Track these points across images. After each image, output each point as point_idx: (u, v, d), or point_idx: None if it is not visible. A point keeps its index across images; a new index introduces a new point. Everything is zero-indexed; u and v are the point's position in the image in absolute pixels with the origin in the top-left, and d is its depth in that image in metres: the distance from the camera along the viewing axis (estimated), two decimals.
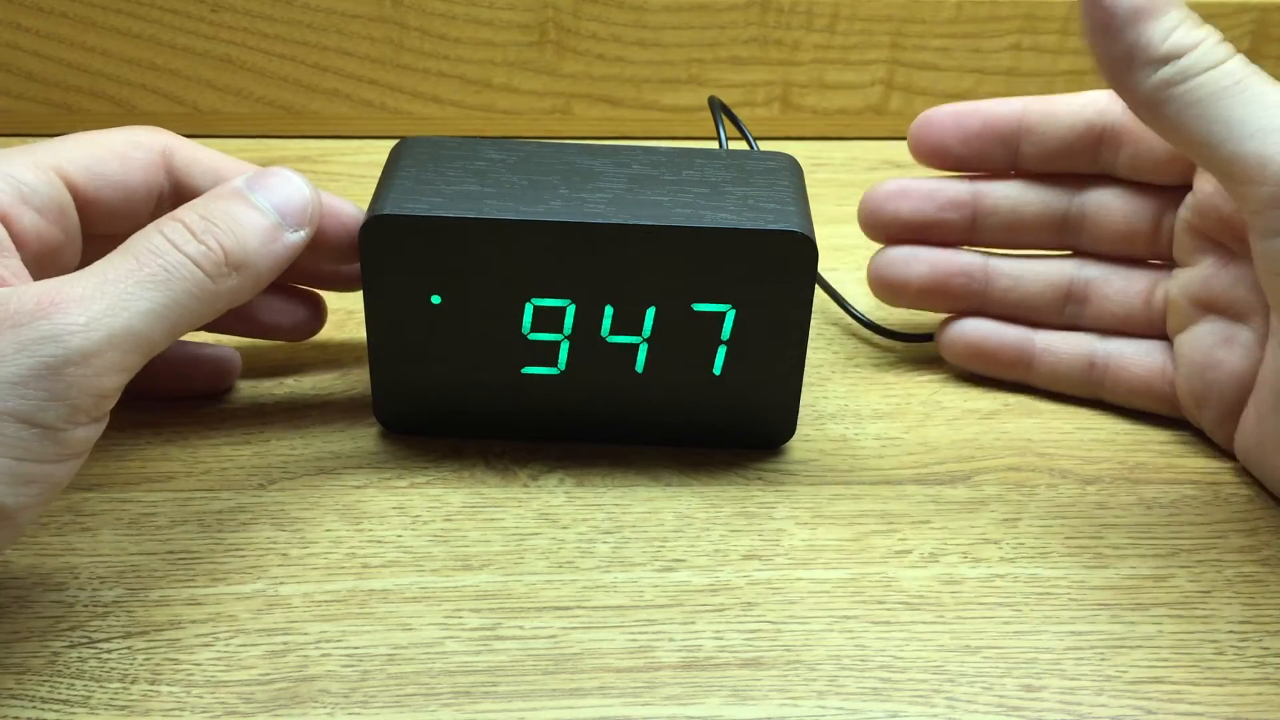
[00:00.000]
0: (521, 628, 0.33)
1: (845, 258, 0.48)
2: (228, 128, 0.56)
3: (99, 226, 0.35)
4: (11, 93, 0.55)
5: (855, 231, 0.43)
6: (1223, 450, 0.39)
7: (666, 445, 0.39)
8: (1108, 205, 0.40)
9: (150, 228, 0.31)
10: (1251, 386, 0.37)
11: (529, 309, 0.36)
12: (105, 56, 0.55)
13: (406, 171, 0.36)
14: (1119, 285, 0.40)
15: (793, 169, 0.38)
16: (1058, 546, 0.36)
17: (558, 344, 0.37)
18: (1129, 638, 0.33)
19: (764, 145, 0.42)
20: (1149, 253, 0.40)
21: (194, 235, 0.31)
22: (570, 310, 0.36)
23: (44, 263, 0.33)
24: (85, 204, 0.34)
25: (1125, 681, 0.32)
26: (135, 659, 0.32)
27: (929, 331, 0.44)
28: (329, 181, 0.54)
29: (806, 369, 0.37)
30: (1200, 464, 0.39)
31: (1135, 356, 0.40)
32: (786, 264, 0.35)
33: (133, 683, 0.31)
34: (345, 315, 0.44)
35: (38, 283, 0.29)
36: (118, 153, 0.35)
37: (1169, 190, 0.39)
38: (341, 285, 0.40)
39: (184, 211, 0.32)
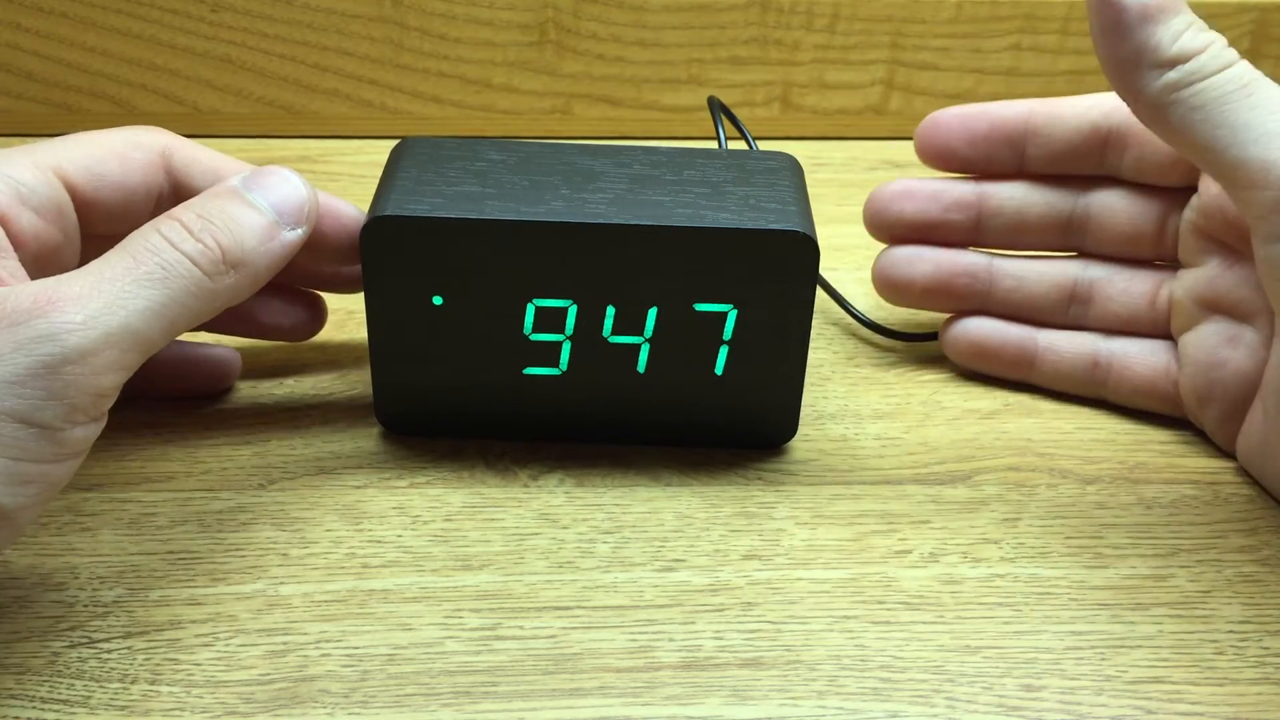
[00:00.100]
0: (521, 628, 0.33)
1: (845, 258, 0.48)
2: (228, 128, 0.56)
3: (98, 227, 0.35)
4: (11, 93, 0.55)
5: (855, 231, 0.43)
6: (1223, 450, 0.39)
7: (668, 445, 0.39)
8: (1113, 207, 0.40)
9: (147, 226, 0.31)
10: (1256, 386, 0.37)
11: (530, 309, 0.36)
12: (105, 56, 0.55)
13: (407, 172, 0.36)
14: (1123, 286, 0.40)
15: (793, 169, 0.38)
16: (1058, 546, 0.36)
17: (559, 344, 0.37)
18: (1129, 638, 0.33)
19: (764, 145, 0.42)
20: (1154, 254, 0.40)
21: (191, 233, 0.31)
22: (572, 311, 0.36)
23: (43, 263, 0.33)
24: (84, 204, 0.34)
25: (1125, 681, 0.32)
26: (135, 659, 0.32)
27: (930, 330, 0.44)
28: (329, 181, 0.54)
29: (806, 369, 0.37)
30: (1200, 464, 0.39)
31: (1139, 356, 0.40)
32: (788, 264, 0.35)
33: (133, 683, 0.31)
34: (345, 315, 0.44)
35: (35, 282, 0.29)
36: (117, 153, 0.35)
37: (1174, 192, 0.39)
38: (342, 287, 0.40)
39: (181, 210, 0.32)
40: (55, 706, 0.30)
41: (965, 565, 0.35)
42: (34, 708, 0.30)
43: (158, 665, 0.32)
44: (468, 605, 0.34)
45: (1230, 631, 0.33)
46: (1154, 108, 0.33)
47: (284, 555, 0.35)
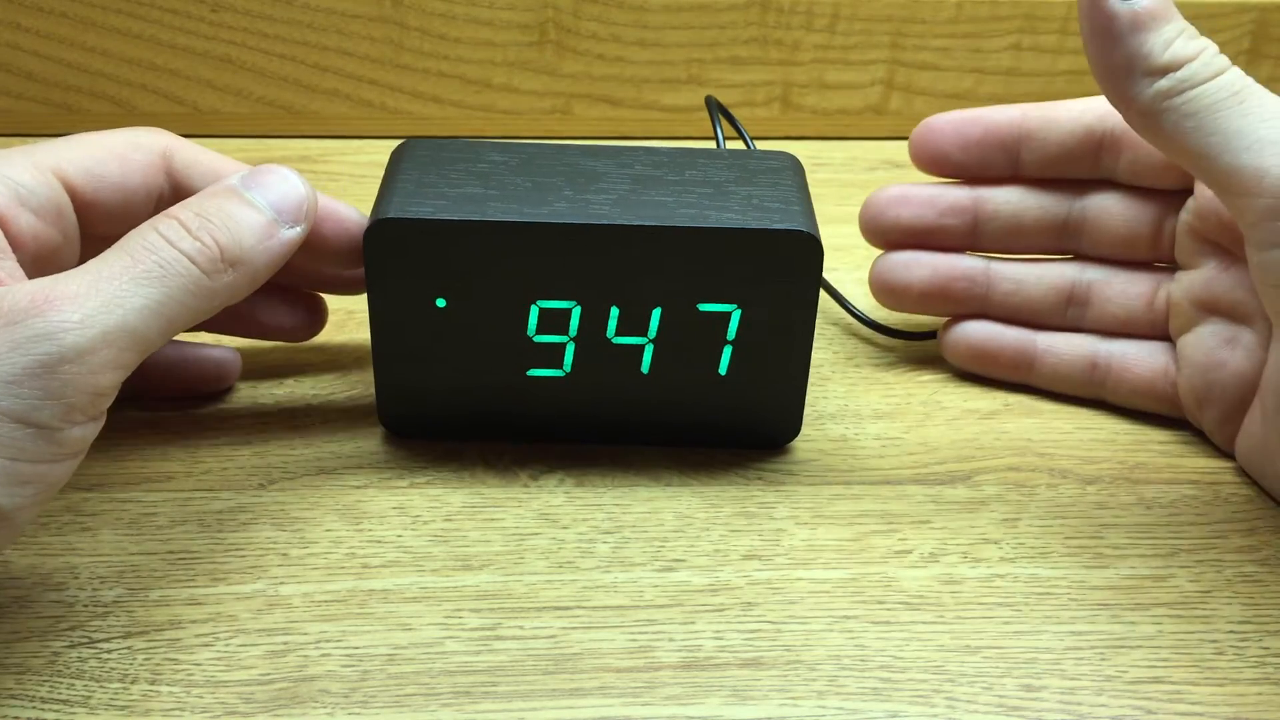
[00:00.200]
0: (521, 628, 0.33)
1: (845, 258, 0.48)
2: (228, 128, 0.56)
3: (98, 228, 0.35)
4: (11, 93, 0.55)
5: (855, 231, 0.43)
6: (1223, 450, 0.39)
7: (671, 446, 0.39)
8: (1109, 210, 0.40)
9: (145, 225, 0.31)
10: (1254, 388, 0.37)
11: (534, 311, 0.36)
12: (105, 56, 0.55)
13: (409, 174, 0.36)
14: (1121, 288, 0.40)
15: (795, 168, 0.38)
16: (1058, 546, 0.36)
17: (563, 346, 0.37)
18: (1129, 638, 0.33)
19: (764, 145, 0.42)
20: (1150, 256, 0.40)
21: (189, 231, 0.31)
22: (576, 312, 0.36)
23: (42, 264, 0.33)
24: (84, 205, 0.34)
25: (1125, 681, 0.32)
26: (135, 659, 0.32)
27: (930, 330, 0.44)
28: (329, 181, 0.54)
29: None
30: (1200, 464, 0.39)
31: (1137, 357, 0.40)
32: (792, 263, 0.35)
33: (133, 683, 0.31)
34: (345, 315, 0.44)
35: (31, 281, 0.29)
36: (117, 154, 0.35)
37: (1170, 194, 0.39)
38: (343, 289, 0.40)
39: (179, 209, 0.32)
40: (55, 706, 0.30)
41: (965, 565, 0.35)
42: (34, 708, 0.30)
43: (158, 665, 0.32)
44: (468, 605, 0.34)
45: (1230, 631, 0.33)
46: (1146, 115, 0.33)
47: (284, 555, 0.35)
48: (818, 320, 0.44)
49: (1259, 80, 0.34)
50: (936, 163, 0.41)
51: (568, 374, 0.37)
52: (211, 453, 0.38)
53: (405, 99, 0.56)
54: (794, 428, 0.39)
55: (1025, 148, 0.40)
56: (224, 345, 0.41)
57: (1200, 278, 0.38)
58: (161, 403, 0.40)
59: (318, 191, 0.35)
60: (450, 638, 0.33)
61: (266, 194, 0.33)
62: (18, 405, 0.28)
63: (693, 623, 0.33)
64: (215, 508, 0.36)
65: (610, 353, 0.37)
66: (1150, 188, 0.39)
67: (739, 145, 0.44)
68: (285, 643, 0.32)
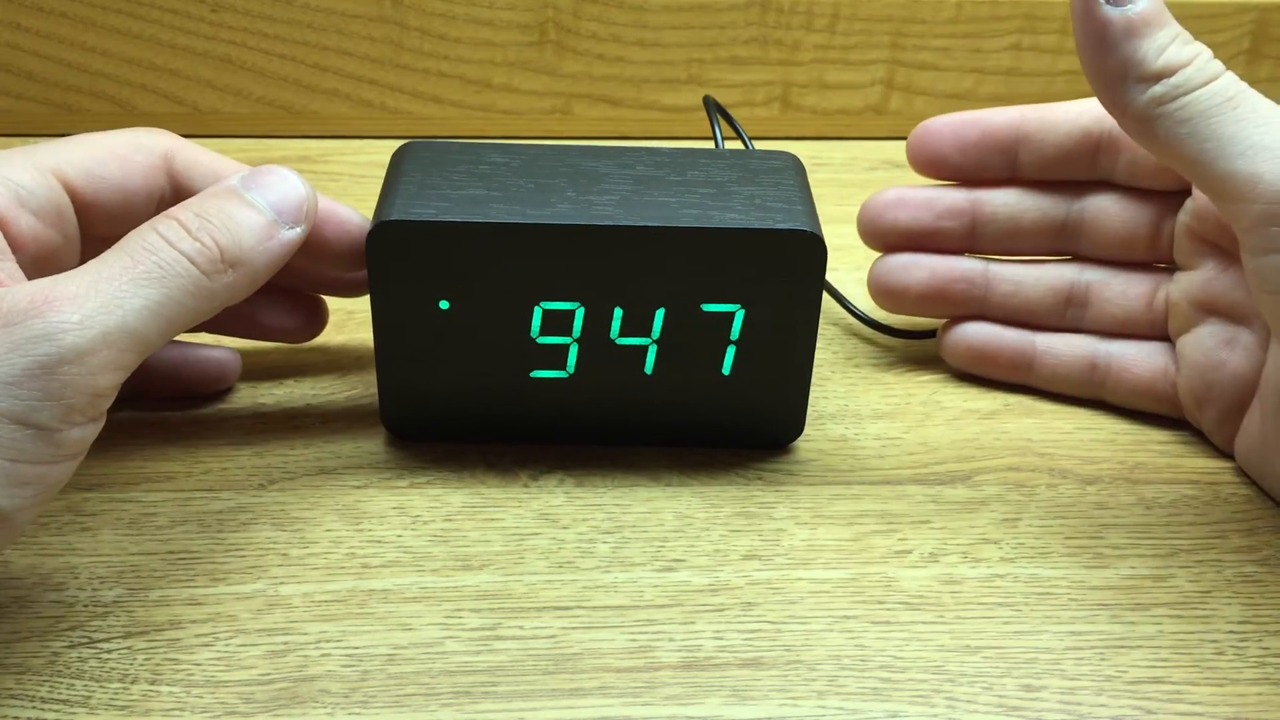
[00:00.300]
0: (521, 628, 0.33)
1: (845, 257, 0.48)
2: (228, 128, 0.56)
3: (98, 229, 0.35)
4: (11, 93, 0.55)
5: (855, 231, 0.43)
6: (1222, 451, 0.39)
7: (674, 447, 0.39)
8: (1107, 211, 0.40)
9: (145, 226, 0.31)
10: (1253, 388, 0.37)
11: (538, 312, 0.36)
12: (105, 56, 0.55)
13: (411, 177, 0.36)
14: (1120, 288, 0.40)
15: (796, 168, 0.38)
16: (1058, 546, 0.36)
17: (567, 347, 0.37)
18: (1129, 638, 0.33)
19: (764, 145, 0.42)
20: (1149, 257, 0.40)
21: (189, 232, 0.31)
22: (579, 313, 0.36)
23: (42, 265, 0.33)
24: (84, 207, 0.34)
25: (1125, 681, 0.32)
26: (135, 659, 0.32)
27: (930, 329, 0.44)
28: (329, 181, 0.54)
29: None
30: (1200, 464, 0.39)
31: (1137, 358, 0.40)
32: (796, 263, 0.35)
33: (133, 683, 0.31)
34: (345, 316, 0.44)
35: (31, 282, 0.29)
36: (118, 155, 0.35)
37: (1168, 195, 0.39)
38: (344, 291, 0.40)
39: (179, 209, 0.32)
40: (55, 706, 0.30)
41: (965, 565, 0.35)
42: (34, 708, 0.30)
43: (158, 665, 0.32)
44: (468, 605, 0.34)
45: (1230, 631, 0.33)
46: (1140, 121, 0.33)
47: (284, 555, 0.35)
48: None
49: (1259, 80, 0.34)
50: (934, 165, 0.41)
51: (571, 375, 0.37)
52: (211, 453, 0.38)
53: (405, 99, 0.56)
54: (797, 427, 0.39)
55: (1023, 149, 0.40)
56: (224, 346, 0.41)
57: (1199, 278, 0.38)
58: (161, 403, 0.40)
59: (318, 193, 0.35)
60: (450, 638, 0.33)
61: (266, 194, 0.33)
62: (17, 406, 0.28)
63: (693, 623, 0.33)
64: (215, 508, 0.36)
65: (614, 353, 0.37)
66: (1148, 189, 0.39)
67: (737, 145, 0.44)
68: (285, 643, 0.32)
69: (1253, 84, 0.55)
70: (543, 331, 0.36)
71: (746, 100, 0.57)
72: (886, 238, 0.42)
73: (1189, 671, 0.32)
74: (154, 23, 0.54)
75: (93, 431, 0.30)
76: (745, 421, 0.38)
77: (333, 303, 0.41)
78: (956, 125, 0.40)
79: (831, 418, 0.41)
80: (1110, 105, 0.34)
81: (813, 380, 0.42)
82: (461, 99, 0.57)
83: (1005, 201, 0.41)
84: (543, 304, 0.36)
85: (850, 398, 0.42)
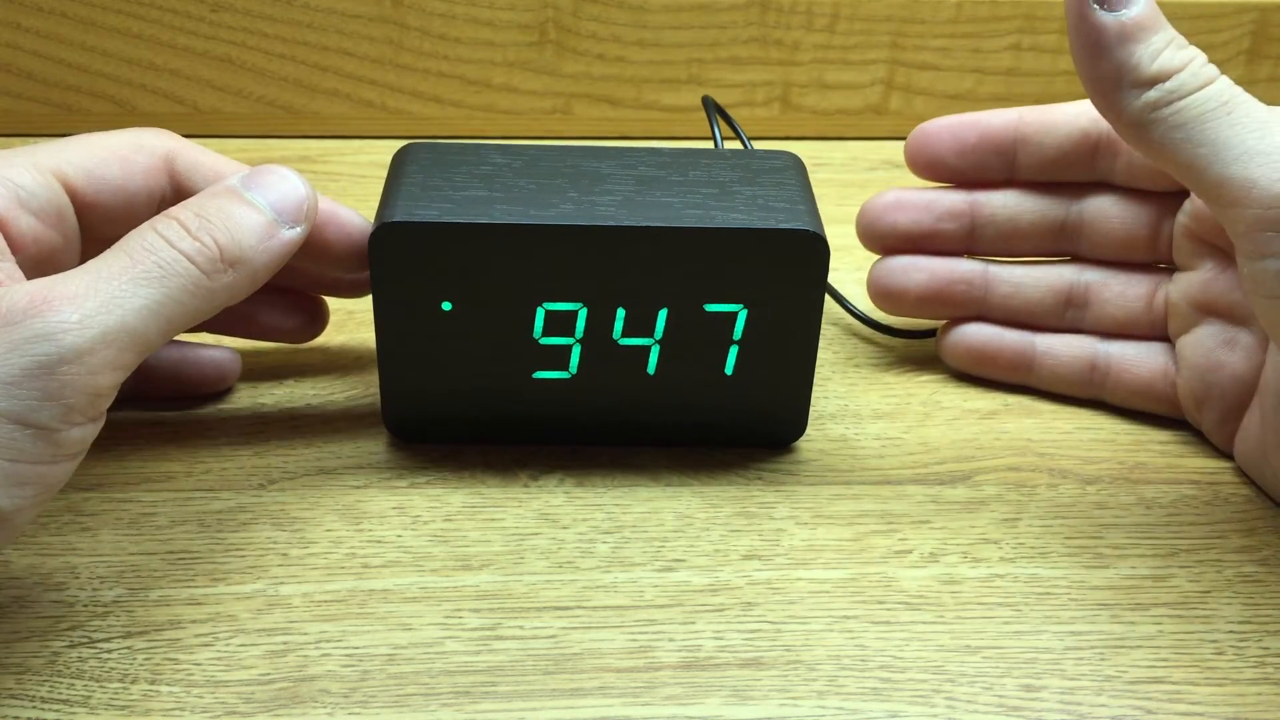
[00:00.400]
0: (521, 628, 0.33)
1: (845, 258, 0.48)
2: (228, 128, 0.56)
3: (99, 229, 0.35)
4: (11, 93, 0.55)
5: (855, 232, 0.43)
6: (1222, 451, 0.39)
7: (677, 447, 0.39)
8: (1106, 212, 0.40)
9: (145, 225, 0.31)
10: (1253, 388, 0.37)
11: (540, 313, 0.36)
12: (105, 56, 0.55)
13: (413, 178, 0.36)
14: (1119, 289, 0.40)
15: (797, 167, 0.38)
16: (1058, 546, 0.36)
17: (569, 348, 0.37)
18: (1129, 638, 0.33)
19: (763, 145, 0.42)
20: (1148, 257, 0.40)
21: (189, 232, 0.31)
22: (582, 314, 0.36)
23: (43, 266, 0.33)
24: (85, 207, 0.34)
25: (1125, 681, 0.32)
26: (135, 659, 0.32)
27: (930, 328, 0.44)
28: (329, 181, 0.54)
29: None
30: (1200, 464, 0.39)
31: (1137, 358, 0.40)
32: (798, 262, 0.35)
33: (133, 683, 0.31)
34: (345, 316, 0.44)
35: (30, 281, 0.29)
36: (119, 156, 0.35)
37: (1167, 196, 0.39)
38: (345, 292, 0.40)
39: (178, 209, 0.32)
40: (55, 706, 0.30)
41: (965, 565, 0.35)
42: (34, 708, 0.30)
43: (158, 665, 0.32)
44: (468, 605, 0.34)
45: (1230, 631, 0.33)
46: (1135, 126, 0.33)
47: (284, 555, 0.35)
48: None
49: (1259, 80, 0.34)
50: (932, 168, 0.41)
51: (574, 376, 0.37)
52: (211, 453, 0.38)
53: (405, 99, 0.56)
54: (800, 427, 0.39)
55: (1022, 151, 0.40)
56: (224, 346, 0.41)
57: (1198, 279, 0.38)
58: (161, 403, 0.40)
59: (320, 194, 0.35)
60: (450, 638, 0.33)
61: (266, 194, 0.33)
62: (16, 406, 0.28)
63: (693, 623, 0.33)
64: (215, 508, 0.36)
65: (616, 354, 0.37)
66: (1147, 190, 0.39)
67: (736, 145, 0.44)
68: (285, 643, 0.32)
69: (1253, 84, 0.55)
70: (545, 332, 0.36)
71: (746, 100, 0.57)
72: (885, 240, 0.42)
73: (1189, 671, 0.32)
74: (154, 23, 0.54)
75: (92, 431, 0.30)
76: (748, 421, 0.38)
77: (333, 303, 0.41)
78: (954, 128, 0.40)
79: (831, 418, 0.41)
80: (1105, 110, 0.34)
81: (813, 380, 0.42)
82: (461, 99, 0.57)
83: (1004, 203, 0.41)
84: (545, 305, 0.36)
85: (850, 398, 0.42)
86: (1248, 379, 0.37)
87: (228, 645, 0.32)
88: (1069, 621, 0.34)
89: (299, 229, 0.33)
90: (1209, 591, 0.35)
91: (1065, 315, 0.41)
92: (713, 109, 0.45)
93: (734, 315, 0.36)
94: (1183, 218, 0.39)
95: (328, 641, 0.32)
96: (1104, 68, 0.33)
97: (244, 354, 0.41)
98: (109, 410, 0.30)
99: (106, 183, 0.34)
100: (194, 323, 0.31)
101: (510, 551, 0.35)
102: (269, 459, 0.38)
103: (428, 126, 0.57)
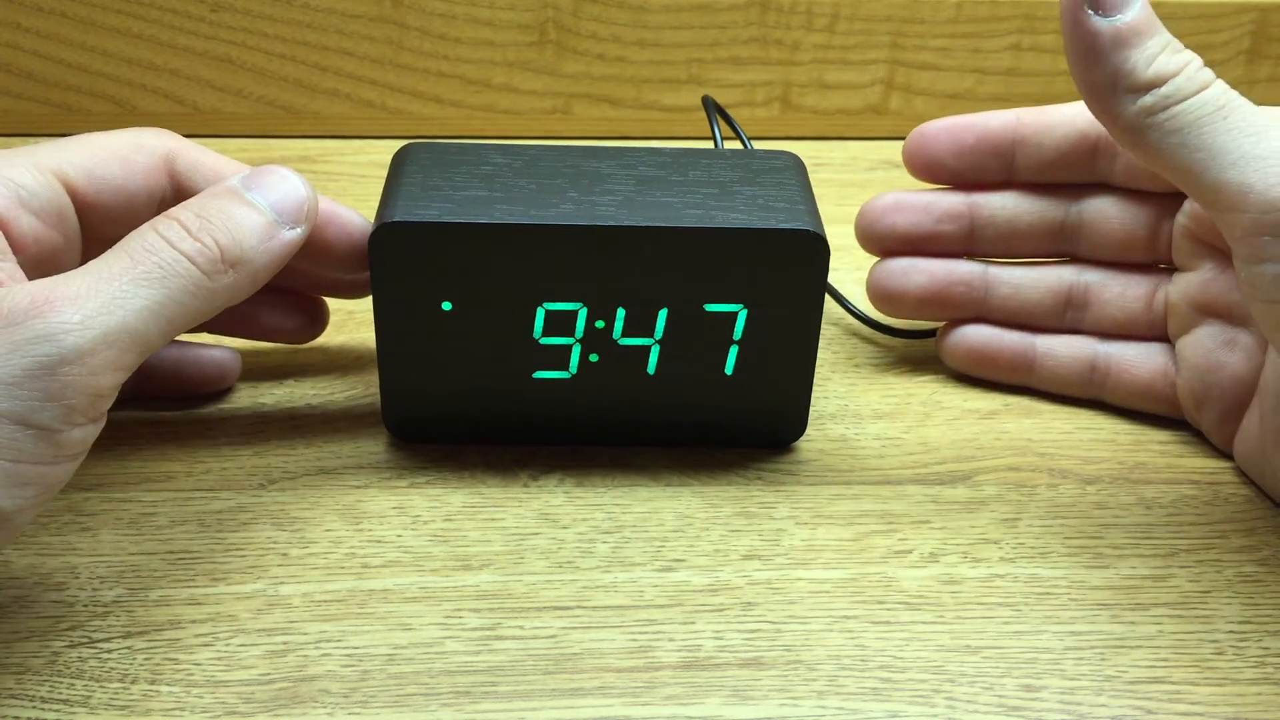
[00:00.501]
0: (521, 628, 0.33)
1: (845, 258, 0.48)
2: (228, 128, 0.56)
3: (100, 229, 0.35)
4: (11, 93, 0.55)
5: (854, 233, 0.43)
6: (1222, 451, 0.39)
7: (677, 447, 0.39)
8: (1105, 213, 0.40)
9: (145, 226, 0.31)
10: (1252, 389, 0.37)
11: (540, 313, 0.36)
12: (105, 56, 0.55)
13: (413, 178, 0.36)
14: (1119, 290, 0.40)
15: (797, 167, 0.38)
16: (1058, 546, 0.36)
17: (569, 348, 0.37)
18: (1129, 638, 0.33)
19: (763, 145, 0.42)
20: (1148, 258, 0.40)
21: (189, 232, 0.31)
22: (582, 314, 0.36)
23: (43, 266, 0.33)
24: (85, 207, 0.34)
25: (1125, 681, 0.32)
26: (135, 659, 0.32)
27: (930, 329, 0.44)
28: (329, 181, 0.54)
29: None
30: (1200, 464, 0.39)
31: (1137, 359, 0.40)
32: (799, 262, 0.35)
33: (133, 683, 0.31)
34: (345, 316, 0.44)
35: (32, 282, 0.29)
36: (119, 156, 0.35)
37: (1165, 197, 0.39)
38: (345, 293, 0.40)
39: (179, 210, 0.32)
40: (55, 706, 0.30)
41: (965, 565, 0.35)
42: (34, 708, 0.30)
43: (158, 665, 0.32)
44: (468, 605, 0.34)
45: (1230, 631, 0.33)
46: (1131, 132, 0.33)
47: (284, 555, 0.35)
48: None
49: (1259, 80, 0.34)
50: (931, 169, 0.41)
51: (574, 376, 0.37)
52: (211, 453, 0.38)
53: (405, 99, 0.56)
54: (800, 426, 0.39)
55: (1020, 153, 0.40)
56: (224, 346, 0.41)
57: (1197, 280, 0.38)
58: (161, 403, 0.40)
59: (319, 195, 0.35)
60: (450, 638, 0.33)
61: (267, 195, 0.33)
62: (17, 407, 0.28)
63: (693, 623, 0.33)
64: (215, 508, 0.36)
65: (616, 354, 0.37)
66: (1146, 190, 0.39)
67: (736, 145, 0.44)
68: (285, 643, 0.32)
69: (1253, 84, 0.55)
70: (545, 332, 0.36)
71: (746, 100, 0.57)
72: (885, 242, 0.42)
73: (1189, 671, 0.32)
74: (154, 23, 0.54)
75: (93, 432, 0.30)
76: (748, 421, 0.38)
77: (333, 303, 0.41)
78: (952, 130, 0.40)
79: (831, 418, 0.41)
80: (1101, 115, 0.34)
81: (813, 380, 0.42)
82: (461, 99, 0.57)
83: (1003, 205, 0.41)
84: (545, 305, 0.36)
85: (850, 398, 0.42)
86: (1247, 379, 0.37)
87: (228, 645, 0.32)
88: (1069, 621, 0.34)
89: (299, 230, 0.33)
90: (1209, 591, 0.35)
91: (1065, 316, 0.41)
92: (713, 109, 0.45)
93: (734, 315, 0.36)
94: (1182, 218, 0.39)
95: (328, 641, 0.32)
96: (1099, 73, 0.33)
97: (244, 354, 0.41)
98: (109, 410, 0.30)
99: (107, 183, 0.34)
100: (195, 323, 0.31)
101: (510, 551, 0.35)
102: (269, 459, 0.38)
103: (428, 126, 0.57)
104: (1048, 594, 0.34)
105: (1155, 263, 0.40)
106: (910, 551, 0.36)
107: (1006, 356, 0.41)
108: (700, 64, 0.56)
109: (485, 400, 0.38)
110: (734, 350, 0.37)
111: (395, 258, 0.35)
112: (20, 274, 0.31)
